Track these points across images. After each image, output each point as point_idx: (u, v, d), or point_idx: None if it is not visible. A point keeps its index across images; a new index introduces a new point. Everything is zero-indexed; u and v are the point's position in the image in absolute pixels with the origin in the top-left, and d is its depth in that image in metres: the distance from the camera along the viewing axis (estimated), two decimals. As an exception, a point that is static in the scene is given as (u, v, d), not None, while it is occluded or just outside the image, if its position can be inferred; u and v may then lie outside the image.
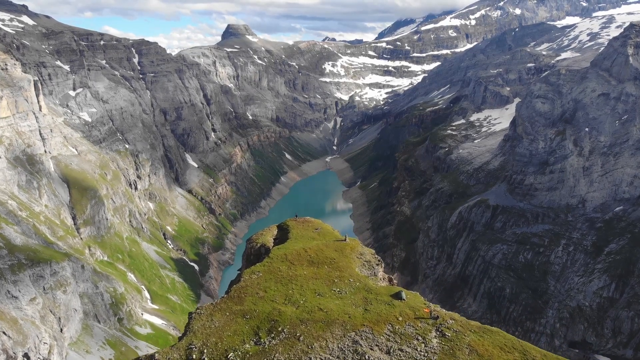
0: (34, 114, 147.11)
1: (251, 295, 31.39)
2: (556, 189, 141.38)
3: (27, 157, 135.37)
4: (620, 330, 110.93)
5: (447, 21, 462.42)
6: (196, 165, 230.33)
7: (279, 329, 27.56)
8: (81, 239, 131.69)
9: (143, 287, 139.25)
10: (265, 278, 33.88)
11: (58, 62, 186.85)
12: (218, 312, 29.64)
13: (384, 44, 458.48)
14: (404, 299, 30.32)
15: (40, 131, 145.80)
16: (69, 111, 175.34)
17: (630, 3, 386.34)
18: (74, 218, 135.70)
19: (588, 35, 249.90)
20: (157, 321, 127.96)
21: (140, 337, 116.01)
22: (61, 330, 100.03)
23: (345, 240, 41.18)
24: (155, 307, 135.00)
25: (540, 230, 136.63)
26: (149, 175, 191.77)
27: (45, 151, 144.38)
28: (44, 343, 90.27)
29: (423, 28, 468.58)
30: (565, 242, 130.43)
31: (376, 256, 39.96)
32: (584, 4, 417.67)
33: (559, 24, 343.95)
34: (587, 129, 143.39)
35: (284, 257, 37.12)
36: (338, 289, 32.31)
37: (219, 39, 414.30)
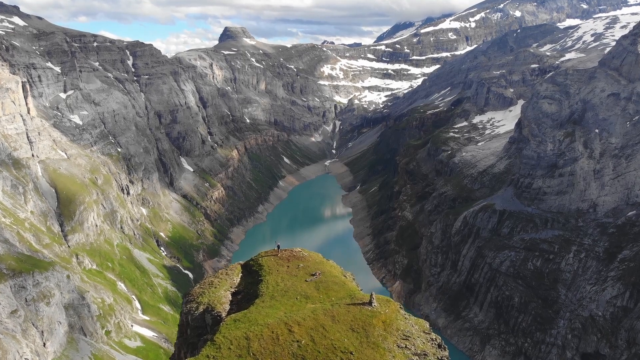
0: (22, 116, 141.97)
1: None
2: (566, 193, 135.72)
3: (13, 161, 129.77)
4: (635, 341, 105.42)
5: (446, 24, 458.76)
6: (191, 170, 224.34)
7: None
8: (68, 246, 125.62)
9: (134, 296, 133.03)
10: None
11: (49, 64, 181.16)
12: None
13: (383, 47, 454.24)
14: None
15: (27, 134, 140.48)
16: (59, 114, 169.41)
17: (631, 5, 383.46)
18: (61, 225, 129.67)
19: (592, 35, 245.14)
20: (148, 333, 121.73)
21: (129, 351, 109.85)
22: (44, 344, 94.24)
23: (371, 303, 21.31)
24: (146, 318, 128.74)
25: (549, 236, 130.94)
26: (141, 180, 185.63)
27: (32, 155, 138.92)
28: (25, 359, 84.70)
29: (422, 31, 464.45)
30: (576, 248, 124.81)
31: (436, 339, 21.09)
32: (585, 6, 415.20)
33: (561, 25, 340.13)
34: (597, 131, 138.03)
35: (244, 343, 18.38)
36: None
37: (216, 43, 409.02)
